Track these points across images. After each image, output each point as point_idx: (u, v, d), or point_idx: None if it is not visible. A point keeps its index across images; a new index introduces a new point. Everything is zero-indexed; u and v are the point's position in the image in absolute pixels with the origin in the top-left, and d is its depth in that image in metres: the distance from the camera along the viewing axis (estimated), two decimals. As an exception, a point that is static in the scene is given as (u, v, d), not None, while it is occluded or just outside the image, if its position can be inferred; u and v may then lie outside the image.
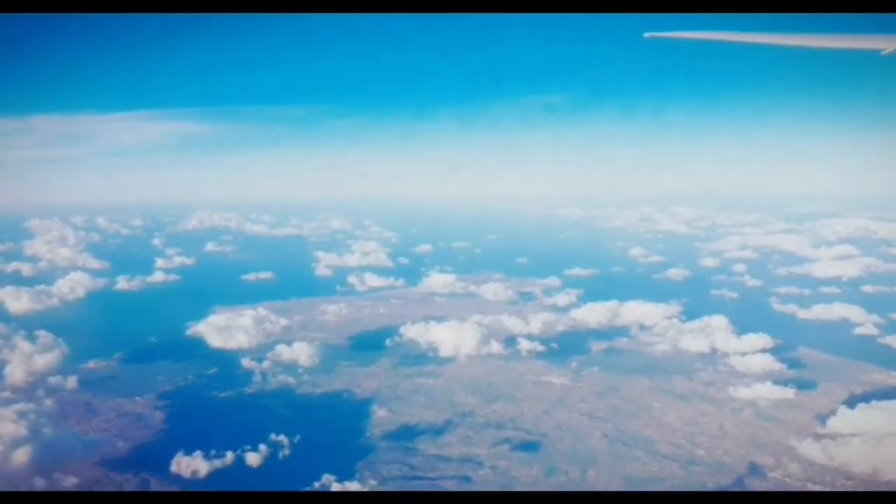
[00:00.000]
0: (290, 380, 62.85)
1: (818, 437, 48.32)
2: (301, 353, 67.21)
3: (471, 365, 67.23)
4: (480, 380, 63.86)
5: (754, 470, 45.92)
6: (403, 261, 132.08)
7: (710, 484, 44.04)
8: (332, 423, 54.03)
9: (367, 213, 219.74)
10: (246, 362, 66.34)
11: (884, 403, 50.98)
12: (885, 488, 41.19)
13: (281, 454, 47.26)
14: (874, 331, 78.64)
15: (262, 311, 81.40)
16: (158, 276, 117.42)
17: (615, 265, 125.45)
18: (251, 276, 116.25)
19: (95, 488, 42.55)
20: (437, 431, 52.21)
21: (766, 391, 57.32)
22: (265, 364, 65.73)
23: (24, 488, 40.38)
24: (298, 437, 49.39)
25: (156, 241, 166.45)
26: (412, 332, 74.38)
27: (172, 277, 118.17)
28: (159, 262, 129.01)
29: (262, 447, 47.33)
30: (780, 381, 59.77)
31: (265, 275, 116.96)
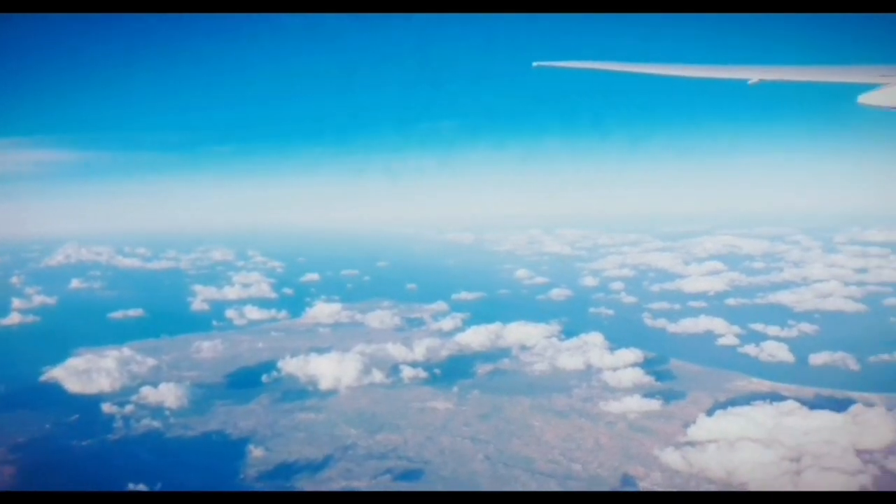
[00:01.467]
0: (156, 423, 59.14)
1: (680, 445, 50.39)
2: (168, 394, 63.53)
3: (354, 396, 65.94)
4: (364, 411, 62.83)
5: (627, 481, 47.39)
6: (288, 291, 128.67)
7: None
8: (202, 467, 51.28)
9: (251, 243, 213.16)
10: (107, 407, 61.95)
11: (738, 409, 54.00)
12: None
13: (139, 504, 44.06)
14: (735, 341, 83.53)
15: (127, 351, 76.60)
16: (14, 318, 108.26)
17: (501, 288, 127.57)
18: (119, 314, 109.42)
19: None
20: (316, 467, 50.72)
21: (635, 404, 59.46)
22: (128, 408, 61.64)
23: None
24: (159, 484, 46.37)
25: (14, 280, 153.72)
26: (291, 366, 72.14)
27: (30, 318, 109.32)
28: (16, 302, 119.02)
29: (120, 499, 43.93)
30: (648, 394, 62.34)
31: (135, 312, 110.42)
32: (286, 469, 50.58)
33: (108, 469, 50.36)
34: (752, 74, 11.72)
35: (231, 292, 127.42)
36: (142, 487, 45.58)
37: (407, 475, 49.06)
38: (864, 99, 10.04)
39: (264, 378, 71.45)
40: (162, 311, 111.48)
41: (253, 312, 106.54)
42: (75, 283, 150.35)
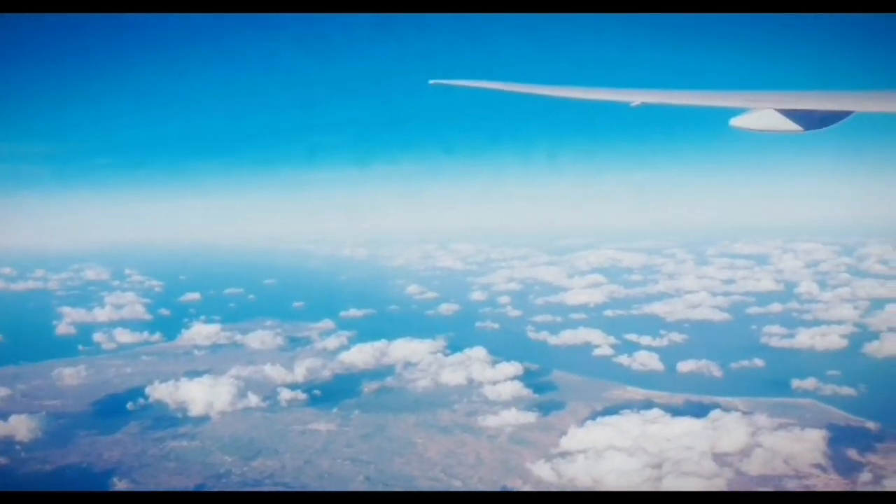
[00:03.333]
0: (2, 460, 54.61)
1: (552, 457, 51.66)
2: (19, 427, 58.79)
3: (231, 422, 63.46)
4: (241, 436, 60.65)
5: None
6: (165, 312, 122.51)
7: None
8: None
9: (129, 261, 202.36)
10: (-53, 444, 56.62)
11: (608, 419, 56.12)
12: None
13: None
14: (610, 351, 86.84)
15: (-25, 381, 70.51)
16: None
17: (392, 304, 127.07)
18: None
19: None
20: (185, 498, 48.72)
21: (515, 417, 60.56)
22: (-28, 444, 56.59)
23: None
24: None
25: None
26: (160, 392, 68.64)
27: None
28: None
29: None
30: (529, 406, 63.81)
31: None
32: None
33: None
34: (635, 98, 12.23)
35: (101, 314, 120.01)
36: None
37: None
38: (735, 122, 10.73)
39: (129, 406, 67.88)
40: (23, 336, 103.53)
41: (124, 335, 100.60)
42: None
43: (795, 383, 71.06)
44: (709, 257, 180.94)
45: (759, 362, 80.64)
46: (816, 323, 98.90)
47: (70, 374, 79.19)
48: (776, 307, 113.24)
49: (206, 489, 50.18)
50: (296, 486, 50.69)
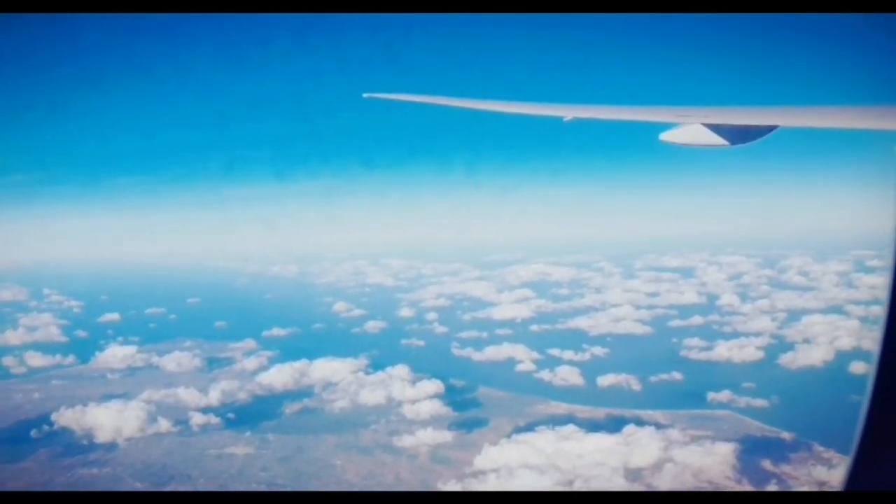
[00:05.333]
0: None
1: (464, 476, 51.50)
2: None
3: (142, 448, 61.56)
4: (154, 462, 58.91)
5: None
6: (81, 334, 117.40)
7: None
8: None
9: (49, 281, 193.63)
10: None
11: (523, 436, 56.41)
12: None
13: None
14: (532, 367, 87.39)
15: None
16: None
17: (317, 322, 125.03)
18: None
19: None
20: (89, 530, 46.40)
21: (434, 436, 60.29)
22: None
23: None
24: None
25: None
26: (65, 418, 65.75)
27: None
28: None
29: None
30: (452, 424, 63.73)
31: None
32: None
33: None
34: (567, 113, 12.29)
35: (14, 337, 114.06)
36: None
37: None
38: (665, 137, 10.80)
39: (34, 433, 64.91)
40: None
41: (35, 359, 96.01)
42: None
43: (711, 396, 72.92)
44: (636, 270, 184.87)
45: (677, 375, 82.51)
46: (735, 335, 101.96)
47: (-28, 402, 75.18)
48: (697, 320, 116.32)
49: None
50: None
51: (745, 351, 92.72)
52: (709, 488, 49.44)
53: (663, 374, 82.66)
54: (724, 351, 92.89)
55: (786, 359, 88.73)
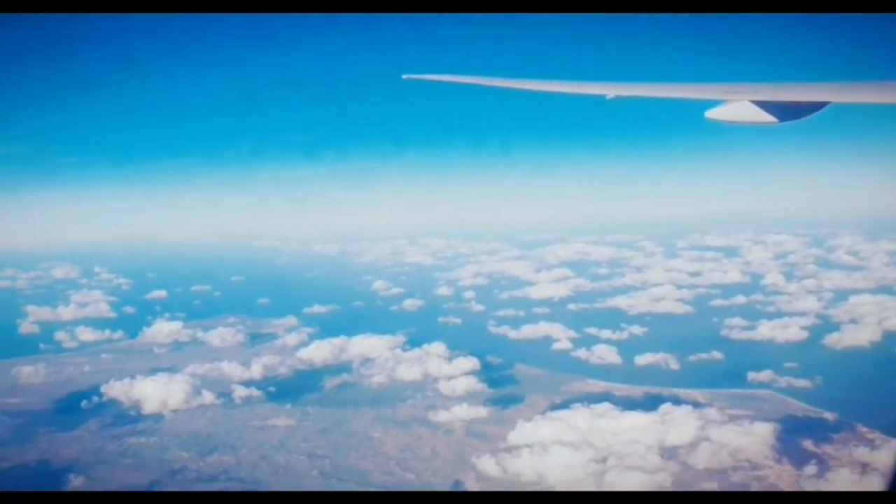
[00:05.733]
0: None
1: (499, 451, 51.86)
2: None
3: (188, 419, 63.44)
4: (199, 432, 60.73)
5: (457, 487, 48.23)
6: (130, 310, 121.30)
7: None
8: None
9: (99, 260, 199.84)
10: None
11: (558, 413, 56.49)
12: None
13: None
14: (569, 345, 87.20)
15: (-70, 382, 69.60)
16: None
17: (356, 300, 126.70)
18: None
19: None
20: (138, 496, 48.12)
21: (469, 412, 60.70)
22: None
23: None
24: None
25: None
26: (114, 390, 68.23)
27: None
28: None
29: None
30: (485, 400, 64.16)
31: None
32: (105, 500, 47.88)
33: None
34: (610, 90, 12.21)
35: (66, 313, 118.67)
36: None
37: (235, 498, 47.65)
38: (711, 114, 10.65)
39: (84, 404, 67.62)
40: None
41: (86, 334, 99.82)
42: None
43: (751, 376, 71.82)
44: (678, 250, 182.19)
45: (717, 355, 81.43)
46: (779, 315, 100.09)
47: (29, 373, 78.59)
48: (740, 299, 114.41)
49: (161, 485, 50.11)
50: (250, 482, 50.59)
51: (788, 331, 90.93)
52: (746, 468, 49.03)
53: (703, 353, 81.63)
54: (766, 331, 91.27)
55: (831, 339, 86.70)
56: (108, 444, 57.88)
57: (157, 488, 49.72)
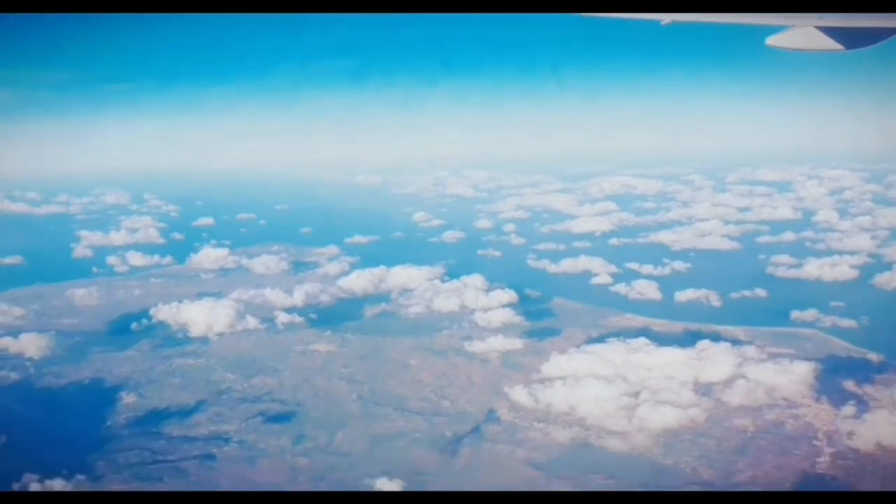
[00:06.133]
0: (13, 375, 57.14)
1: (532, 382, 52.37)
2: (29, 344, 61.37)
3: (233, 342, 65.44)
4: (244, 355, 62.69)
5: (491, 415, 49.04)
6: (178, 236, 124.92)
7: (447, 433, 46.34)
8: (70, 416, 50.28)
9: (149, 186, 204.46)
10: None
11: (593, 347, 56.56)
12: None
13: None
14: (608, 280, 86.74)
15: (-9, 301, 73.18)
16: None
17: (397, 231, 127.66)
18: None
19: None
20: (186, 412, 50.59)
21: (505, 343, 61.15)
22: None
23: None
24: (4, 437, 44.96)
25: None
26: (163, 313, 70.70)
27: None
28: None
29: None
30: (521, 333, 64.60)
31: (12, 259, 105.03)
32: (156, 415, 50.34)
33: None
34: (665, 16, 11.80)
35: (117, 238, 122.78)
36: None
37: (278, 417, 49.47)
38: (773, 41, 10.30)
39: (134, 326, 70.37)
40: (42, 259, 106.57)
41: (136, 258, 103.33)
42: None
43: (795, 314, 70.40)
44: (728, 184, 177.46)
45: (761, 292, 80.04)
46: (828, 253, 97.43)
47: (83, 295, 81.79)
48: (789, 236, 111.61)
49: (208, 404, 51.88)
50: (291, 403, 51.97)
51: (837, 269, 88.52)
52: (783, 406, 48.63)
53: (746, 290, 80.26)
54: (813, 269, 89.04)
55: (881, 279, 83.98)
56: (158, 364, 60.21)
57: (204, 408, 51.45)
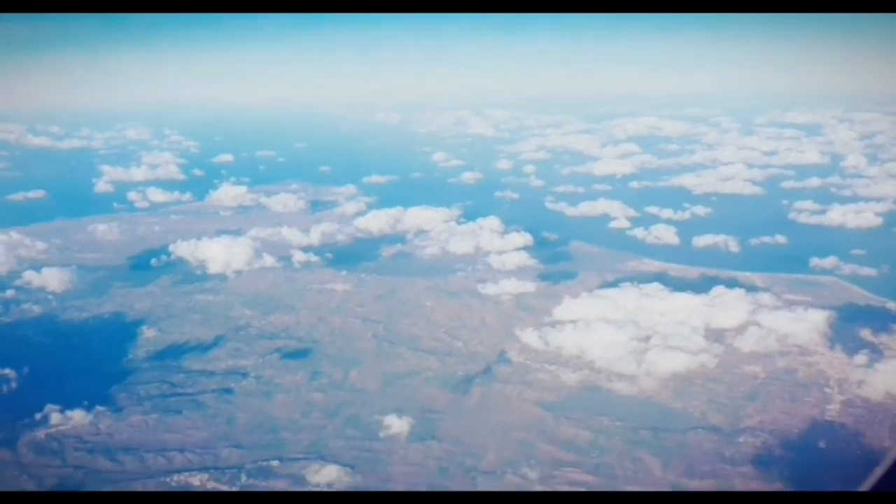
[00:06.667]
0: (36, 308, 58.36)
1: (544, 324, 52.46)
2: (51, 278, 62.49)
3: (252, 279, 66.15)
4: (262, 293, 63.38)
5: (502, 357, 49.36)
6: (198, 172, 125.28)
7: (459, 372, 46.89)
8: (91, 348, 51.39)
9: (170, 122, 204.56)
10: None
11: (606, 291, 56.34)
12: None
13: (6, 388, 43.89)
14: (626, 224, 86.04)
15: (14, 235, 74.22)
16: None
17: (416, 171, 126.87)
18: (19, 196, 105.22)
19: None
20: (205, 347, 51.52)
21: (518, 286, 61.14)
22: (9, 293, 60.48)
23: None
24: (27, 369, 46.05)
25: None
26: (181, 249, 71.45)
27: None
28: None
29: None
30: (536, 276, 64.52)
31: (35, 194, 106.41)
32: (176, 349, 51.27)
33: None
34: None
35: (138, 173, 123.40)
36: (7, 372, 45.15)
37: (294, 354, 50.27)
38: None
39: (154, 262, 71.08)
40: (64, 193, 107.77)
41: (156, 195, 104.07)
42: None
43: (814, 261, 69.54)
44: (756, 126, 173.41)
45: (781, 238, 79.01)
46: (854, 199, 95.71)
47: (104, 231, 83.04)
48: (814, 182, 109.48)
49: (227, 340, 52.73)
50: (308, 341, 52.61)
51: (861, 216, 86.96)
52: (795, 353, 48.43)
53: (766, 236, 79.27)
54: (837, 215, 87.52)
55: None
56: (178, 299, 61.12)
57: (222, 343, 52.16)
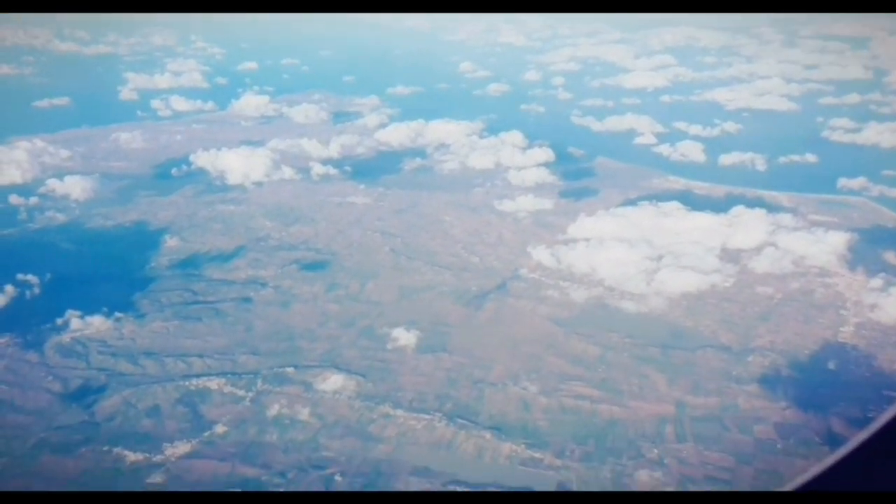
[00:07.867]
0: (59, 216, 59.23)
1: (557, 242, 52.30)
2: (74, 186, 63.30)
3: (272, 190, 66.33)
4: (283, 204, 63.68)
5: (517, 274, 49.63)
6: (221, 81, 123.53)
7: (474, 287, 47.38)
8: (114, 257, 52.24)
9: (195, 27, 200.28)
10: (14, 199, 61.54)
11: (621, 209, 55.63)
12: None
13: (29, 294, 45.31)
14: (653, 140, 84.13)
15: (39, 142, 74.72)
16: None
17: (441, 82, 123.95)
18: (44, 103, 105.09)
19: None
20: (226, 257, 52.26)
21: (536, 203, 60.72)
22: (32, 200, 61.42)
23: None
24: (49, 275, 47.30)
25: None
26: (202, 159, 71.50)
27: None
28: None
29: (9, 287, 45.03)
30: (561, 192, 63.90)
31: (60, 100, 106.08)
32: (198, 258, 52.11)
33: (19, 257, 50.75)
34: None
35: (162, 81, 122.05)
36: (30, 278, 46.54)
37: (313, 265, 50.94)
38: None
39: (174, 171, 71.25)
40: (89, 100, 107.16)
41: (180, 103, 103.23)
42: (4, 69, 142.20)
43: (842, 182, 67.76)
44: (799, 38, 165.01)
45: (811, 157, 76.88)
46: (893, 117, 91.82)
47: (128, 139, 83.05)
48: (853, 98, 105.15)
49: (247, 250, 53.31)
50: (326, 253, 53.16)
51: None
52: (814, 274, 47.86)
53: (795, 155, 77.01)
54: (872, 134, 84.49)
55: (945, 148, 79.39)
56: (201, 209, 61.68)
57: (243, 253, 52.84)
